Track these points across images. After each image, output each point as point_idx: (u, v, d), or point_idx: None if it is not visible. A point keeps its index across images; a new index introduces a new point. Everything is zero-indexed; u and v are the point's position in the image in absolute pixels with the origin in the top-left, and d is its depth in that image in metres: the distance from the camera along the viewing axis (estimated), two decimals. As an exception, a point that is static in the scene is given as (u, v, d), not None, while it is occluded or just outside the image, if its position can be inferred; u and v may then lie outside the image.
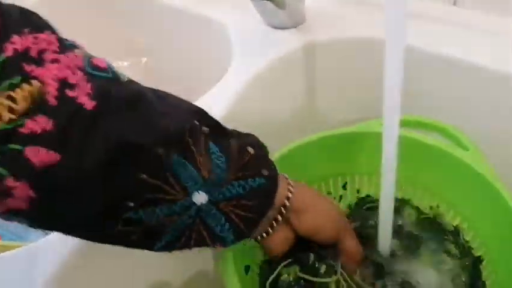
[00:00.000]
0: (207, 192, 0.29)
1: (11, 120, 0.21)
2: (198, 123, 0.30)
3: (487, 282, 0.41)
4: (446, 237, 0.45)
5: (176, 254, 0.31)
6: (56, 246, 0.35)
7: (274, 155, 0.43)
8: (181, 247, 0.31)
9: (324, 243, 0.39)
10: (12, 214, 0.24)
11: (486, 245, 0.42)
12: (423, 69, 0.50)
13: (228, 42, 0.55)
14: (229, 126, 0.33)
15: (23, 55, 0.23)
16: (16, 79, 0.22)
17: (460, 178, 0.42)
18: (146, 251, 0.30)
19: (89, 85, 0.24)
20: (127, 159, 0.25)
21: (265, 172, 0.32)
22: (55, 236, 0.35)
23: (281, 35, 0.53)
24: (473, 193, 0.42)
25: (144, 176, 0.26)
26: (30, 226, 0.26)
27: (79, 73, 0.24)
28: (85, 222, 0.27)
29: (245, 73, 0.49)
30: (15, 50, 0.22)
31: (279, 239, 0.36)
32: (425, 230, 0.46)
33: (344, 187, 0.50)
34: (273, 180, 0.33)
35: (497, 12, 0.50)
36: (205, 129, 0.30)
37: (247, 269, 0.41)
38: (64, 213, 0.25)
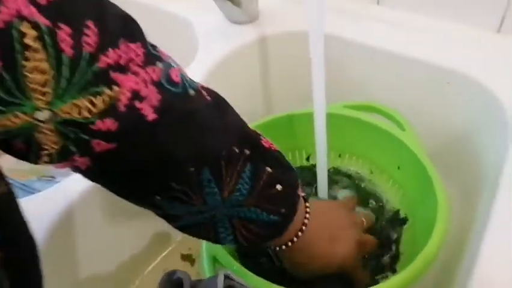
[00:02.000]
0: (225, 208, 0.32)
1: (86, 118, 0.24)
2: (239, 147, 0.31)
3: (403, 236, 0.50)
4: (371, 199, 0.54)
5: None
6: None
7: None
8: (190, 233, 0.34)
9: None
10: (72, 169, 0.28)
11: (411, 205, 0.51)
12: (357, 58, 0.59)
13: (193, 35, 0.60)
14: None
15: (113, 66, 0.24)
16: (101, 88, 0.24)
17: (394, 150, 0.51)
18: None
19: (158, 98, 0.27)
20: (164, 168, 0.29)
21: (282, 210, 0.33)
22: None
23: (239, 29, 0.60)
24: (404, 163, 0.51)
25: (173, 184, 0.29)
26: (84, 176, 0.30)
27: (152, 88, 0.26)
28: (126, 194, 0.31)
29: (209, 62, 0.55)
30: (108, 63, 0.24)
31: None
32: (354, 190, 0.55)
33: (308, 159, 0.58)
34: (286, 218, 0.34)
35: (418, 11, 0.59)
36: (247, 152, 0.32)
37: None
38: (109, 185, 0.30)
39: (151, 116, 0.26)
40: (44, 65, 0.22)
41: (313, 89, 0.42)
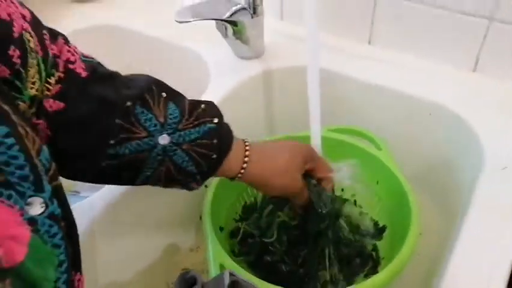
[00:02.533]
0: (168, 135, 0.39)
1: (45, 94, 0.35)
2: (156, 88, 0.40)
3: (383, 243, 0.57)
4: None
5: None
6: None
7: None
8: (155, 181, 0.41)
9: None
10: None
11: (389, 215, 0.59)
12: (351, 91, 0.66)
13: (205, 68, 0.68)
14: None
15: (55, 55, 0.36)
16: (53, 70, 0.35)
17: (373, 167, 0.58)
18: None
19: (83, 64, 0.38)
20: (107, 109, 0.37)
21: (214, 120, 0.42)
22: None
23: (246, 63, 0.67)
24: (380, 178, 0.58)
25: (118, 120, 0.37)
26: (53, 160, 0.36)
27: (77, 56, 0.38)
28: (82, 156, 0.38)
29: (219, 92, 0.62)
30: (53, 53, 0.36)
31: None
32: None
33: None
34: (222, 127, 0.43)
35: (404, 51, 0.66)
36: (163, 93, 0.40)
37: (221, 229, 0.57)
38: (67, 147, 0.37)
39: (83, 73, 0.37)
40: (34, 62, 0.32)
41: (310, 115, 0.49)
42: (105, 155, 0.38)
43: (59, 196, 0.26)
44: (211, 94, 0.62)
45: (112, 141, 0.38)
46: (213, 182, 0.56)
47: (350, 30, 0.68)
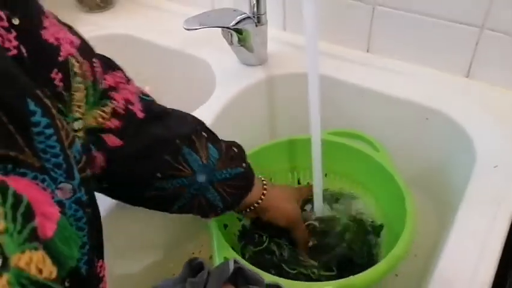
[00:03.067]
0: (205, 174, 0.44)
1: (99, 123, 0.37)
2: (199, 128, 0.45)
3: (379, 239, 0.60)
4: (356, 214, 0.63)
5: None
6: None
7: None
8: (186, 211, 0.46)
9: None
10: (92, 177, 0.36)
11: (386, 215, 0.61)
12: (350, 96, 0.69)
13: (212, 74, 0.71)
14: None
15: (110, 87, 0.39)
16: (107, 101, 0.38)
17: (372, 169, 0.61)
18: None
19: (141, 104, 0.41)
20: (161, 147, 0.41)
21: (243, 164, 0.48)
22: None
23: (250, 70, 0.70)
24: (380, 179, 0.60)
25: (167, 157, 0.41)
26: (99, 190, 0.41)
27: (136, 97, 0.41)
28: (130, 185, 0.42)
29: (225, 96, 0.65)
30: (108, 84, 0.39)
31: (250, 217, 0.56)
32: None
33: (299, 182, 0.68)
34: (248, 170, 0.49)
35: (401, 58, 0.69)
36: (204, 134, 0.45)
37: (225, 226, 0.59)
38: (119, 178, 0.41)
39: (140, 114, 0.41)
40: (81, 86, 0.34)
41: (310, 119, 0.52)
42: (151, 187, 0.42)
43: (86, 186, 0.28)
44: (217, 98, 0.65)
45: (159, 175, 0.42)
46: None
47: (349, 39, 0.71)
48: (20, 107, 0.23)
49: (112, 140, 0.39)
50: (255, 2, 0.66)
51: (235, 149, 0.48)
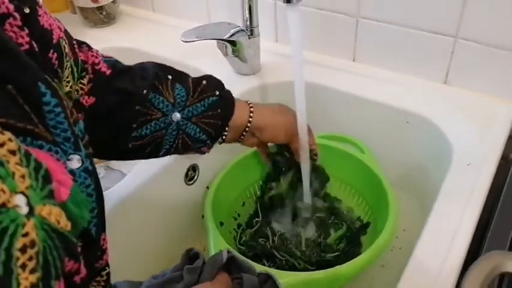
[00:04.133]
0: (179, 112, 0.48)
1: (80, 93, 0.44)
2: (162, 73, 0.48)
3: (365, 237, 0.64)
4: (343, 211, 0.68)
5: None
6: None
7: (234, 160, 0.63)
8: (174, 151, 0.50)
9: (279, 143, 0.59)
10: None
11: (371, 214, 0.65)
12: (337, 103, 0.74)
13: None
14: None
15: (83, 61, 0.45)
16: (84, 73, 0.44)
17: (358, 169, 0.65)
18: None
19: (105, 64, 0.47)
20: (128, 99, 0.46)
21: (216, 93, 0.50)
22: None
23: (244, 79, 0.75)
24: (366, 179, 0.65)
25: (137, 107, 0.46)
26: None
27: (100, 58, 0.47)
28: (111, 140, 0.46)
29: None
30: (81, 59, 0.44)
31: (250, 143, 0.57)
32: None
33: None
34: (225, 97, 0.51)
35: (384, 67, 0.74)
36: (169, 76, 0.49)
37: (221, 223, 0.63)
38: (99, 134, 0.43)
39: (107, 71, 0.46)
40: (69, 64, 0.39)
41: (298, 123, 0.56)
42: (130, 138, 0.47)
43: (91, 159, 0.32)
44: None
45: (134, 125, 0.46)
46: (214, 182, 0.63)
47: (337, 50, 0.76)
48: (33, 90, 0.27)
49: (86, 100, 0.44)
50: (247, 16, 0.71)
51: (205, 81, 0.51)
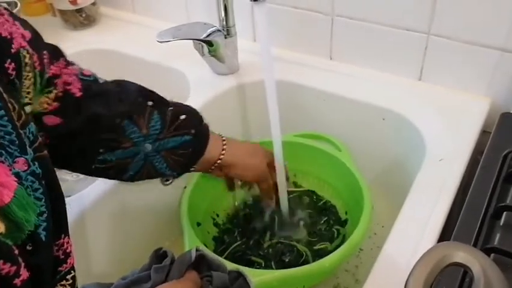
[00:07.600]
0: (150, 144, 0.47)
1: (44, 108, 0.42)
2: (142, 100, 0.47)
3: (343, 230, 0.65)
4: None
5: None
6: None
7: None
8: (138, 179, 0.49)
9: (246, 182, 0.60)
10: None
11: (348, 209, 0.66)
12: (314, 101, 0.74)
13: (186, 83, 0.76)
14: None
15: (54, 75, 0.43)
16: (51, 88, 0.42)
17: (335, 167, 0.66)
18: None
19: (80, 83, 0.45)
20: (96, 127, 0.44)
21: (192, 131, 0.49)
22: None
23: (222, 79, 0.75)
24: (341, 176, 0.65)
25: (105, 135, 0.45)
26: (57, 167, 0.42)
27: (74, 77, 0.45)
28: (74, 160, 0.46)
29: (199, 104, 0.69)
30: (52, 73, 0.43)
31: (217, 175, 0.57)
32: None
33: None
34: (199, 137, 0.50)
35: (360, 64, 0.74)
36: (149, 103, 0.47)
37: (198, 224, 0.63)
38: (62, 153, 0.44)
39: (77, 93, 0.44)
40: (30, 75, 0.38)
41: (271, 123, 0.57)
42: (95, 160, 0.46)
43: (43, 164, 0.32)
44: (192, 105, 0.70)
45: (101, 150, 0.46)
46: (191, 182, 0.63)
47: (313, 48, 0.77)
48: None
49: (51, 120, 0.43)
50: (223, 15, 0.71)
51: (183, 116, 0.49)
